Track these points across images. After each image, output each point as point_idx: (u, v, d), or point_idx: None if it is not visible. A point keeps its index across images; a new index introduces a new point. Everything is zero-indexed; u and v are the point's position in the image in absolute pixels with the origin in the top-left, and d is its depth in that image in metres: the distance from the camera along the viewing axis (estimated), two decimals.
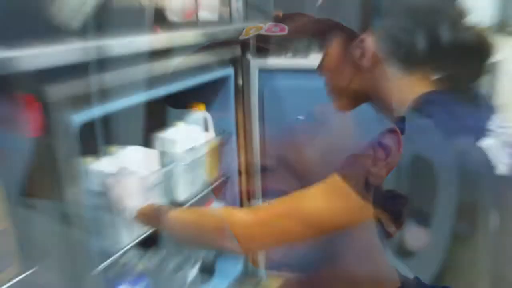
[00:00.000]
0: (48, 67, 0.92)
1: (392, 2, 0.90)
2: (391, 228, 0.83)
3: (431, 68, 0.89)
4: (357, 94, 1.00)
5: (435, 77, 0.89)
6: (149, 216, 1.13)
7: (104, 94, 1.11)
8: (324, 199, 0.87)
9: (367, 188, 0.81)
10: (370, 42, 0.91)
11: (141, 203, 1.15)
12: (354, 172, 0.83)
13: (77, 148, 1.04)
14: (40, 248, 0.99)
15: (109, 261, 1.24)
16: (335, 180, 0.85)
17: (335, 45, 0.98)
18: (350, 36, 0.94)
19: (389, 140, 0.82)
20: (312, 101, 1.61)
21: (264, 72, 1.74)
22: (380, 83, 0.94)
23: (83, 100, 1.05)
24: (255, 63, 1.71)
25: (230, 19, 1.80)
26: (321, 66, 1.04)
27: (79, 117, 1.04)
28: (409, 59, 0.90)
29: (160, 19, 1.80)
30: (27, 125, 0.90)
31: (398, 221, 0.82)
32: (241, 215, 0.97)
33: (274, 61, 1.72)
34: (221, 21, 1.76)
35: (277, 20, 1.90)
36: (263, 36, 1.11)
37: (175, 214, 1.08)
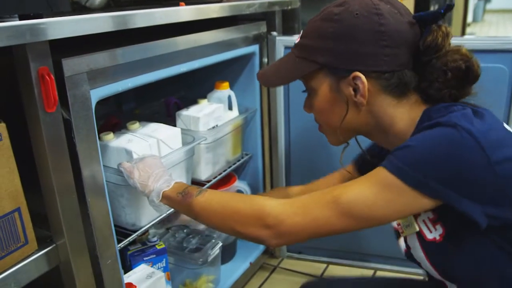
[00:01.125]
0: (68, 37, 0.90)
1: (377, 34, 0.90)
2: None
3: (423, 91, 0.94)
4: (350, 130, 1.01)
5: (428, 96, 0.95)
6: (175, 199, 1.07)
7: (125, 69, 1.09)
8: (369, 191, 0.85)
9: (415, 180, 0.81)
10: (363, 78, 0.91)
11: (167, 185, 1.10)
12: (400, 165, 0.83)
13: (94, 123, 1.02)
14: (57, 225, 0.98)
15: (130, 238, 1.23)
16: (381, 173, 0.85)
17: (325, 84, 0.97)
18: (341, 74, 0.94)
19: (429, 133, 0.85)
20: None
21: (289, 49, 1.70)
22: (376, 116, 0.96)
23: (102, 75, 1.03)
24: (281, 40, 1.67)
25: None
26: (310, 106, 1.04)
27: (97, 92, 1.02)
28: (402, 88, 0.94)
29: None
30: (44, 99, 0.88)
31: None
32: (277, 204, 0.93)
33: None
34: None
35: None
36: None
37: (203, 199, 1.02)
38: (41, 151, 0.92)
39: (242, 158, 1.76)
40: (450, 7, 0.90)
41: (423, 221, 0.93)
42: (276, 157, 1.86)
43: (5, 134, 0.87)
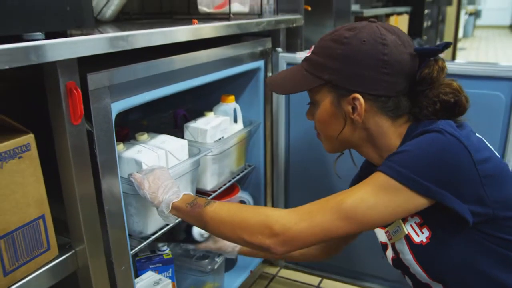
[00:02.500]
0: (90, 55, 0.95)
1: (380, 61, 0.99)
2: None
3: (414, 114, 1.04)
4: (345, 142, 1.11)
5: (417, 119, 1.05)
6: (184, 210, 1.13)
7: (144, 83, 1.14)
8: (370, 195, 0.93)
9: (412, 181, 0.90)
10: (361, 99, 1.01)
11: (176, 197, 1.15)
12: (397, 169, 0.91)
13: (113, 135, 1.07)
14: (77, 231, 1.02)
15: (142, 245, 1.27)
16: (379, 177, 0.93)
17: (328, 99, 1.06)
18: (342, 93, 1.03)
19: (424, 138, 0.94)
20: None
21: (291, 65, 1.76)
22: (370, 132, 1.06)
23: (121, 89, 1.08)
24: (283, 57, 1.73)
25: (261, 11, 1.82)
26: (311, 115, 1.14)
27: (117, 105, 1.07)
28: (396, 111, 1.04)
29: (192, 10, 1.83)
30: (71, 112, 0.93)
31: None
32: (283, 212, 1.00)
33: (302, 55, 1.73)
34: (251, 13, 1.78)
35: (307, 12, 1.93)
36: None
37: (212, 209, 1.08)
38: (65, 161, 0.96)
39: (246, 169, 1.81)
40: (448, 44, 1.00)
41: (411, 225, 1.01)
42: (277, 168, 1.91)
43: (33, 144, 0.92)
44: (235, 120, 1.69)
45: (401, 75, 1.00)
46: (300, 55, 1.72)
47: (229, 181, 1.68)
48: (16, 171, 0.89)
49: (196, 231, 1.48)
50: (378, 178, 0.94)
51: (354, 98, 1.02)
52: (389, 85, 1.00)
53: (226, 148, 1.59)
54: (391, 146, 1.05)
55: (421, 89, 1.01)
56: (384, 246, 1.14)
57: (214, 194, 1.58)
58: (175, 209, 1.14)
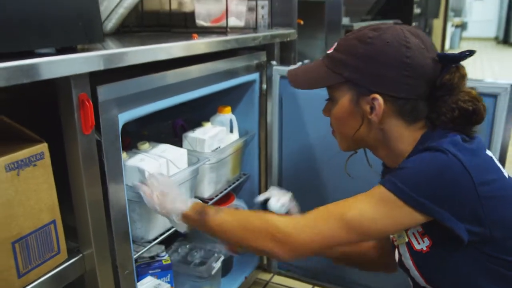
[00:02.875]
0: (99, 70, 1.01)
1: (402, 64, 1.00)
2: None
3: (431, 120, 1.05)
4: (360, 141, 1.12)
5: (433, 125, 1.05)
6: (194, 218, 1.16)
7: (148, 95, 1.20)
8: (369, 206, 0.97)
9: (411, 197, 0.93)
10: (380, 100, 1.02)
11: (185, 206, 1.19)
12: (397, 184, 0.95)
13: (120, 144, 1.13)
14: (86, 236, 1.07)
15: (144, 250, 1.32)
16: (380, 190, 0.97)
17: (347, 97, 1.07)
18: (362, 92, 1.04)
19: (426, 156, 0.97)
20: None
21: (284, 79, 1.82)
22: (385, 134, 1.07)
23: (127, 101, 1.13)
24: (277, 70, 1.79)
25: (256, 25, 1.89)
26: (328, 111, 1.14)
27: (124, 116, 1.13)
28: (413, 115, 1.04)
29: (189, 23, 1.90)
30: (82, 122, 0.99)
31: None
32: (287, 220, 1.05)
33: None
34: (247, 27, 1.85)
35: (299, 25, 1.99)
36: None
37: (220, 217, 1.12)
38: (76, 169, 1.02)
39: (241, 178, 1.87)
40: (472, 52, 1.00)
41: (413, 233, 1.05)
42: (271, 177, 1.97)
43: (47, 153, 0.97)
44: (231, 130, 1.75)
45: (422, 79, 1.01)
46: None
47: (225, 189, 1.74)
48: (31, 178, 0.94)
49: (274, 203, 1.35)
50: (379, 191, 0.97)
51: (374, 98, 1.02)
52: (410, 88, 1.01)
53: (223, 157, 1.65)
54: (403, 151, 1.06)
55: (441, 94, 1.01)
56: (393, 245, 1.17)
57: (211, 202, 1.64)
58: (185, 217, 1.18)
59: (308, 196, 1.89)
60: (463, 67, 1.02)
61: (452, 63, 1.01)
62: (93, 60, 0.97)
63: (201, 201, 1.23)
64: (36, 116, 1.09)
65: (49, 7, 0.91)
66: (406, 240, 1.06)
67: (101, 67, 0.98)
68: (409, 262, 1.07)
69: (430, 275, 1.04)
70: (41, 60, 0.86)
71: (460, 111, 1.00)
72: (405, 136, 1.06)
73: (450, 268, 1.00)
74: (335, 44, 1.10)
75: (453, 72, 1.01)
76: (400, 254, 1.11)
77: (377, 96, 1.02)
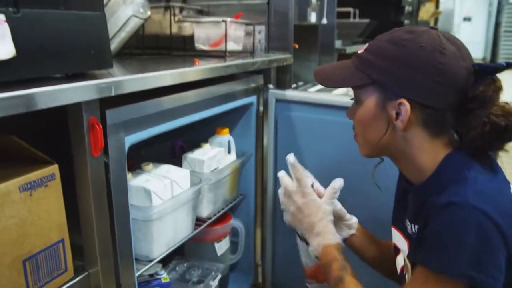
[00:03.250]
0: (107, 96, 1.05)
1: (435, 70, 0.95)
2: None
3: (458, 134, 1.01)
4: (383, 148, 1.06)
5: (458, 142, 1.01)
6: (328, 265, 1.11)
7: (152, 118, 1.24)
8: None
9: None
10: (407, 106, 0.97)
11: (325, 243, 1.14)
12: (437, 262, 0.91)
13: (125, 166, 1.17)
14: (92, 255, 1.11)
15: (146, 268, 1.36)
16: (427, 274, 0.93)
17: (373, 99, 1.02)
18: (389, 95, 0.99)
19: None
20: (317, 131, 1.82)
21: (280, 102, 1.88)
22: (408, 143, 1.02)
23: (133, 124, 1.18)
24: (273, 93, 1.85)
25: (253, 49, 1.95)
26: (352, 113, 1.09)
27: (130, 139, 1.17)
28: (439, 126, 1.00)
29: (188, 46, 1.95)
30: (92, 145, 1.03)
31: None
32: None
33: (289, 93, 1.86)
34: (244, 51, 1.91)
35: (295, 51, 2.05)
36: None
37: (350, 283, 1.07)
38: (85, 190, 1.06)
39: (237, 198, 1.91)
40: (510, 64, 0.95)
41: None
42: (266, 197, 2.01)
43: (57, 174, 1.01)
44: (229, 151, 1.80)
45: (454, 89, 0.95)
46: (289, 93, 1.85)
47: (222, 209, 1.78)
48: (43, 198, 0.98)
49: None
50: (426, 275, 0.93)
51: (401, 103, 0.97)
52: (439, 97, 0.96)
53: (221, 177, 1.69)
54: (423, 166, 1.02)
55: (473, 107, 0.95)
56: (396, 250, 1.17)
57: (209, 221, 1.68)
58: (321, 257, 1.15)
59: None
60: (499, 80, 0.97)
61: (488, 75, 0.96)
62: (105, 87, 1.01)
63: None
64: (44, 136, 1.14)
65: (66, 36, 0.96)
66: None
67: (112, 94, 1.03)
68: None
69: None
70: (55, 88, 0.90)
71: (492, 125, 0.93)
72: (427, 150, 1.01)
73: None
74: (367, 44, 1.06)
75: (488, 84, 0.95)
76: (402, 268, 1.12)
77: (404, 101, 0.97)
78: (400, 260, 1.16)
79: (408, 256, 1.09)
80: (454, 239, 0.88)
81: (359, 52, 1.06)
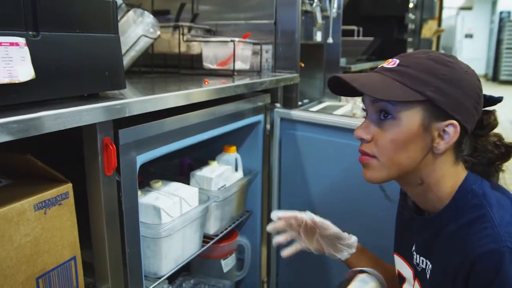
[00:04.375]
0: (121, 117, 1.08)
1: (477, 95, 0.96)
2: None
3: (471, 160, 1.02)
4: (406, 172, 0.99)
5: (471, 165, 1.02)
6: None
7: (163, 138, 1.27)
8: None
9: None
10: (458, 128, 0.94)
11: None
12: None
13: (137, 184, 1.19)
14: (103, 272, 1.12)
15: (155, 284, 1.37)
16: None
17: (417, 118, 0.95)
18: (438, 116, 0.95)
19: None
20: (321, 152, 1.83)
21: (285, 121, 1.90)
22: (436, 168, 0.98)
23: (145, 143, 1.20)
24: (278, 112, 1.88)
25: (260, 68, 1.98)
26: (368, 132, 1.00)
27: (141, 158, 1.19)
28: (461, 152, 1.00)
29: (196, 65, 1.98)
30: (105, 164, 1.05)
31: None
32: None
33: (294, 113, 1.88)
34: (251, 70, 1.94)
35: (301, 69, 2.08)
36: None
37: None
38: (98, 208, 1.08)
39: (244, 215, 1.92)
40: (501, 99, 1.02)
41: None
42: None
43: (71, 192, 1.03)
44: (236, 169, 1.82)
45: (479, 116, 0.99)
46: (294, 112, 1.86)
47: (229, 226, 1.79)
48: (57, 216, 1.00)
49: None
50: None
51: (451, 125, 0.93)
52: (475, 122, 0.97)
53: (229, 195, 1.71)
54: (444, 193, 0.99)
55: (483, 133, 1.00)
56: (401, 278, 1.16)
57: (216, 238, 1.69)
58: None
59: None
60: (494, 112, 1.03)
61: (491, 105, 1.01)
62: (120, 109, 1.04)
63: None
64: (57, 152, 1.15)
65: (82, 58, 0.98)
66: None
67: (126, 115, 1.05)
68: None
69: None
70: (71, 110, 0.92)
71: (506, 148, 1.00)
72: (451, 175, 0.99)
73: None
74: (395, 60, 0.99)
75: (492, 114, 1.02)
76: None
77: (456, 122, 0.93)
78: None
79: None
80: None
81: (389, 66, 0.99)
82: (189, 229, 1.48)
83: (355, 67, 3.17)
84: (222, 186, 1.68)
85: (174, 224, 1.38)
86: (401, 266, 1.17)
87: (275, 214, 1.30)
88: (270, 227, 1.31)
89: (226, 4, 2.16)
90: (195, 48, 1.97)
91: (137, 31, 1.66)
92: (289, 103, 2.01)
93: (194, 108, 1.39)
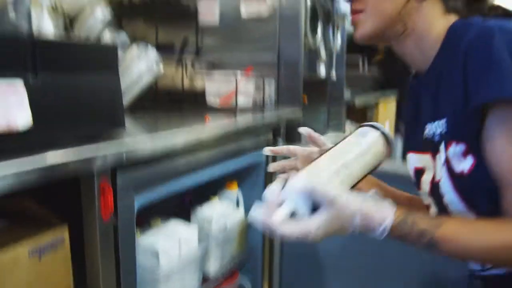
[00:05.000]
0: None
1: None
2: None
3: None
4: (393, 22, 0.94)
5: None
6: (408, 235, 0.82)
7: (161, 179, 1.25)
8: None
9: None
10: None
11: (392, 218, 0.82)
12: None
13: (134, 228, 1.16)
14: None
15: None
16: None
17: None
18: None
19: None
20: None
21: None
22: (421, 16, 0.93)
23: (143, 184, 1.18)
24: None
25: (263, 104, 1.97)
26: None
27: (139, 199, 1.17)
28: (453, 3, 0.93)
29: (199, 99, 1.97)
30: (102, 209, 1.03)
31: None
32: None
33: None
34: (254, 106, 1.92)
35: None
36: None
37: (450, 232, 0.83)
38: (93, 253, 1.05)
39: (245, 254, 1.88)
40: None
41: (454, 152, 0.87)
42: (273, 253, 1.99)
43: (66, 236, 1.01)
44: (237, 205, 1.79)
45: None
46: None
47: (230, 266, 1.75)
48: (51, 261, 0.98)
49: None
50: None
51: None
52: None
53: (229, 234, 1.68)
54: (432, 37, 0.93)
55: None
56: (418, 172, 1.01)
57: (215, 285, 1.66)
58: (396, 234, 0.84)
59: (310, 271, 1.92)
60: None
61: None
62: (117, 155, 1.03)
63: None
64: (54, 191, 1.13)
65: (82, 100, 0.98)
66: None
67: (124, 160, 1.04)
68: (446, 186, 0.91)
69: (472, 198, 0.88)
70: (70, 159, 0.91)
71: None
72: (438, 24, 0.93)
73: (493, 192, 0.84)
74: None
75: None
76: (433, 180, 0.96)
77: None
78: (428, 177, 0.98)
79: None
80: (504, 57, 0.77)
81: None
82: (188, 269, 1.45)
83: (361, 99, 3.15)
84: (223, 224, 1.65)
85: (172, 266, 1.35)
86: (416, 160, 1.03)
87: (267, 150, 1.16)
88: (271, 166, 1.17)
89: (229, 36, 2.15)
90: (199, 82, 1.97)
91: (140, 66, 1.66)
92: (292, 139, 2.00)
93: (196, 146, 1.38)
